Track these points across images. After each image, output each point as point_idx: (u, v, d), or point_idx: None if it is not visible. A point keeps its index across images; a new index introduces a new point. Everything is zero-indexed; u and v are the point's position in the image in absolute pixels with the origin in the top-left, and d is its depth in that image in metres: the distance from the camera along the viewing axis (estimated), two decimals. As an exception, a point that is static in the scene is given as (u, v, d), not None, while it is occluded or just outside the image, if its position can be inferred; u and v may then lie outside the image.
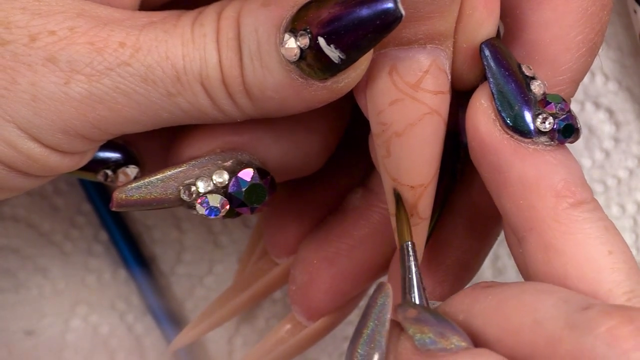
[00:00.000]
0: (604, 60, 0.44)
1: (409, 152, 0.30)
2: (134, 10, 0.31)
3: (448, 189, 0.33)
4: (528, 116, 0.30)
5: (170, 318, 0.44)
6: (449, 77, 0.30)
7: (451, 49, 0.30)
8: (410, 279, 0.31)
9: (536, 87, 0.30)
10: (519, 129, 0.30)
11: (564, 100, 0.31)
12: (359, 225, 0.36)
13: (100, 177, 0.35)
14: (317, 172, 0.36)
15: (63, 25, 0.29)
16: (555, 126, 0.30)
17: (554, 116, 0.30)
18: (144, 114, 0.30)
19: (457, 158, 0.33)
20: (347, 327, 0.44)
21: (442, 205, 0.34)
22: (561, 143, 0.30)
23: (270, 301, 0.44)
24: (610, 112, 0.44)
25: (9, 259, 0.44)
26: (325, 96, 0.29)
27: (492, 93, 0.30)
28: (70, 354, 0.44)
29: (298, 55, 0.28)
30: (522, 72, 0.31)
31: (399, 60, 0.30)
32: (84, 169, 0.34)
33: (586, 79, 0.44)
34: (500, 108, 0.30)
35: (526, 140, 0.30)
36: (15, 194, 0.32)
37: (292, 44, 0.28)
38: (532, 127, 0.30)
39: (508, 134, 0.30)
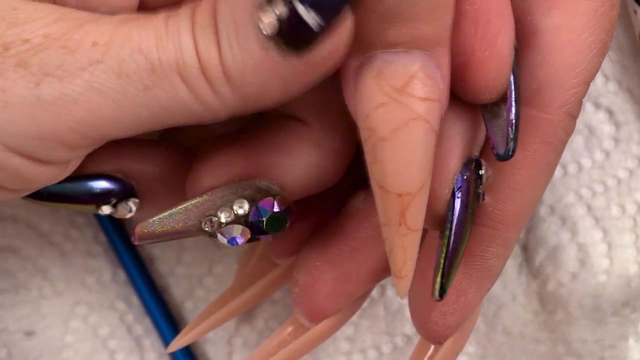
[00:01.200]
0: (604, 60, 0.44)
1: (394, 157, 0.30)
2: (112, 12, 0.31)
3: (473, 212, 0.33)
4: None
5: (169, 319, 0.44)
6: (442, 86, 0.30)
7: (444, 57, 0.30)
8: None
9: None
10: None
11: None
12: (361, 227, 0.36)
13: (100, 211, 0.35)
14: None
15: (38, 33, 0.29)
16: None
17: None
18: (123, 114, 0.29)
19: (480, 182, 0.32)
20: (348, 327, 0.44)
21: (469, 229, 0.33)
22: None
23: (270, 302, 0.44)
24: (610, 113, 0.44)
25: (9, 259, 0.44)
26: (304, 73, 0.29)
27: None
28: (69, 354, 0.44)
29: (276, 27, 0.28)
30: None
31: (385, 64, 0.29)
32: (85, 202, 0.34)
33: (586, 80, 0.44)
34: None
35: None
36: None
37: (270, 15, 0.28)
38: None
39: None
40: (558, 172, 0.44)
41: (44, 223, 0.44)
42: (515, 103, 0.32)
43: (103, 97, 0.29)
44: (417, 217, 0.31)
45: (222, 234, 0.33)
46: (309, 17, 0.28)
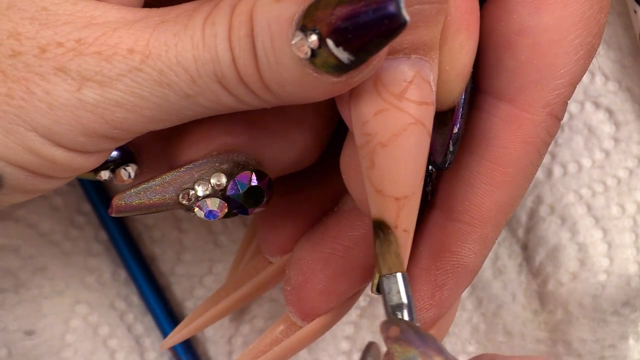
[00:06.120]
0: (604, 60, 0.44)
1: (393, 162, 0.30)
2: (149, 9, 0.31)
3: (421, 210, 0.33)
4: None
5: (170, 318, 0.44)
6: (433, 89, 0.30)
7: (436, 61, 0.30)
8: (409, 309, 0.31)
9: None
10: None
11: None
12: (354, 226, 0.36)
13: (99, 177, 0.35)
14: (313, 172, 0.36)
15: (70, 37, 0.29)
16: None
17: None
18: (166, 114, 0.30)
19: (428, 180, 0.32)
20: (348, 327, 0.44)
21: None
22: None
23: (270, 301, 0.45)
24: (610, 112, 0.44)
25: (9, 259, 0.44)
26: (343, 88, 0.29)
27: None
28: (70, 353, 0.44)
29: (309, 54, 0.28)
30: None
31: (383, 71, 0.29)
32: None
33: (586, 79, 0.44)
34: None
35: None
36: (38, 194, 0.32)
37: (303, 42, 0.27)
38: None
39: None
40: (558, 171, 0.44)
41: (44, 223, 0.44)
42: (461, 118, 0.32)
43: (145, 101, 0.29)
44: (411, 218, 0.31)
45: (199, 207, 0.33)
46: (339, 52, 0.27)
